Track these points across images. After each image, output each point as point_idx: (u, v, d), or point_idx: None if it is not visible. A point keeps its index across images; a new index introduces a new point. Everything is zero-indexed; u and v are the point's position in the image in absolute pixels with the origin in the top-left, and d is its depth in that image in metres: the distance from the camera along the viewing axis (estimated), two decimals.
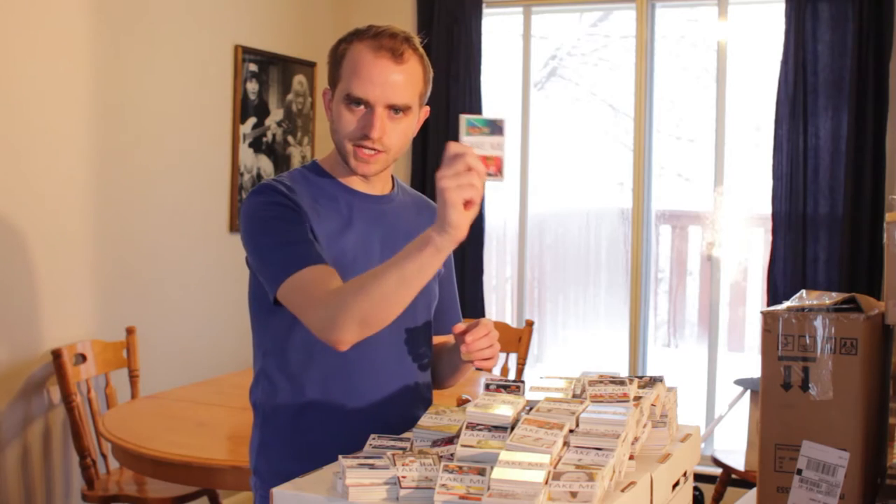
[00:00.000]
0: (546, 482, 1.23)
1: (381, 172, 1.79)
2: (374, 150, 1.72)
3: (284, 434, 1.78)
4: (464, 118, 1.44)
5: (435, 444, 1.44)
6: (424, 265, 1.49)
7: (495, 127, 1.44)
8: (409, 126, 1.76)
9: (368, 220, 1.80)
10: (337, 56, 1.76)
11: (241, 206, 1.76)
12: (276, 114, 4.44)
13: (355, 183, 1.82)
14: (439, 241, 1.45)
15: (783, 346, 1.69)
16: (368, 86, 1.69)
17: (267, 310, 1.75)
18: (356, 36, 1.75)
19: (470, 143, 1.43)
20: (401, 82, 1.71)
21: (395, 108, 1.71)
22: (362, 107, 1.71)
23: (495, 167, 1.44)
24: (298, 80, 4.58)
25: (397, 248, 1.80)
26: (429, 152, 4.62)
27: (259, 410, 1.83)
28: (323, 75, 4.72)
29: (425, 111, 1.83)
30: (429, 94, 1.82)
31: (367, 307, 1.54)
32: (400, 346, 1.82)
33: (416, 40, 1.77)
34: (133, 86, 3.67)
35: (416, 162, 4.67)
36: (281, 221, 1.69)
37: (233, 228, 4.20)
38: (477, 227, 4.60)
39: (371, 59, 1.70)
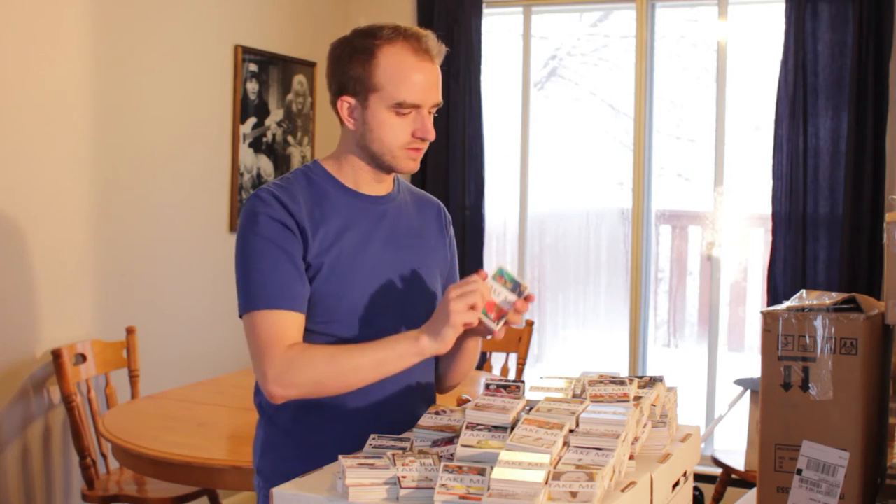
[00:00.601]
0: (546, 482, 1.23)
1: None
2: (420, 147, 1.77)
3: (288, 434, 1.78)
4: (499, 267, 1.64)
5: (435, 444, 1.45)
6: (403, 360, 1.65)
7: (518, 289, 1.63)
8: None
9: (369, 221, 1.80)
10: (363, 58, 1.72)
11: (242, 208, 1.76)
12: (276, 114, 4.44)
13: (358, 184, 1.81)
14: (426, 346, 1.63)
15: (783, 346, 1.69)
16: (422, 92, 1.72)
17: None
18: (383, 38, 1.72)
19: (491, 285, 1.63)
20: (439, 82, 1.77)
21: (435, 107, 1.76)
22: (410, 111, 1.73)
23: (496, 315, 1.63)
24: (298, 80, 4.58)
25: (399, 246, 1.81)
26: (428, 149, 4.60)
27: (263, 411, 1.83)
28: (323, 75, 4.72)
29: None
30: None
31: (331, 375, 1.65)
32: None
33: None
34: (133, 86, 3.67)
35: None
36: (271, 245, 1.68)
37: (233, 228, 4.20)
38: (477, 227, 4.60)
39: (415, 61, 1.72)
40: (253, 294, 1.68)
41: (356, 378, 1.66)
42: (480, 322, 1.62)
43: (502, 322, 1.64)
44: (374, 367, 1.65)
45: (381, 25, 1.75)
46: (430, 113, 1.76)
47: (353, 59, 1.73)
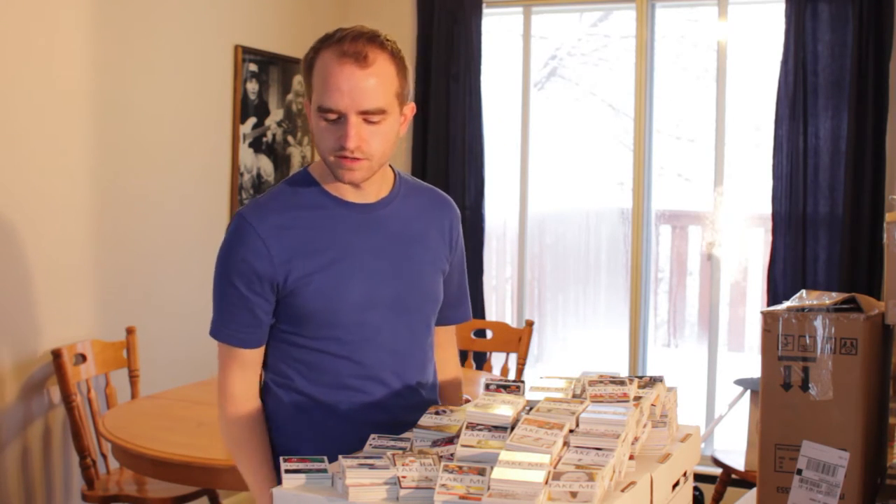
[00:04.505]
0: (546, 482, 1.23)
1: (368, 178, 1.73)
2: (356, 157, 1.67)
3: (289, 438, 1.78)
4: None
5: (435, 444, 1.45)
6: None
7: None
8: (390, 129, 1.70)
9: (358, 231, 1.76)
10: (307, 67, 1.71)
11: (228, 226, 1.77)
12: (276, 114, 4.45)
13: (345, 192, 1.77)
14: None
15: (783, 346, 1.69)
16: (336, 95, 1.63)
17: None
18: (323, 43, 1.69)
19: None
20: (370, 87, 1.64)
21: (368, 114, 1.65)
22: (336, 117, 1.65)
23: None
24: (298, 80, 4.58)
25: (392, 253, 1.79)
26: (428, 149, 4.62)
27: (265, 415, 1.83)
28: None
29: (410, 108, 1.76)
30: (410, 90, 1.75)
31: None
32: (402, 351, 1.81)
33: (383, 37, 1.70)
34: (133, 86, 3.67)
35: (416, 159, 4.68)
36: (232, 288, 1.73)
37: None
38: (477, 227, 4.60)
39: (336, 67, 1.64)
40: (215, 323, 1.78)
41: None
42: None
43: None
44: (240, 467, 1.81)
45: (337, 29, 1.71)
46: (366, 121, 1.65)
47: (302, 64, 1.74)
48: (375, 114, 1.65)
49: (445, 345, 2.01)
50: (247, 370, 1.79)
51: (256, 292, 1.72)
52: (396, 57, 1.70)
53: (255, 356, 1.79)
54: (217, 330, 1.78)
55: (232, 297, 1.73)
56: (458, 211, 1.97)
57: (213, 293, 1.78)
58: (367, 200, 1.79)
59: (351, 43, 1.65)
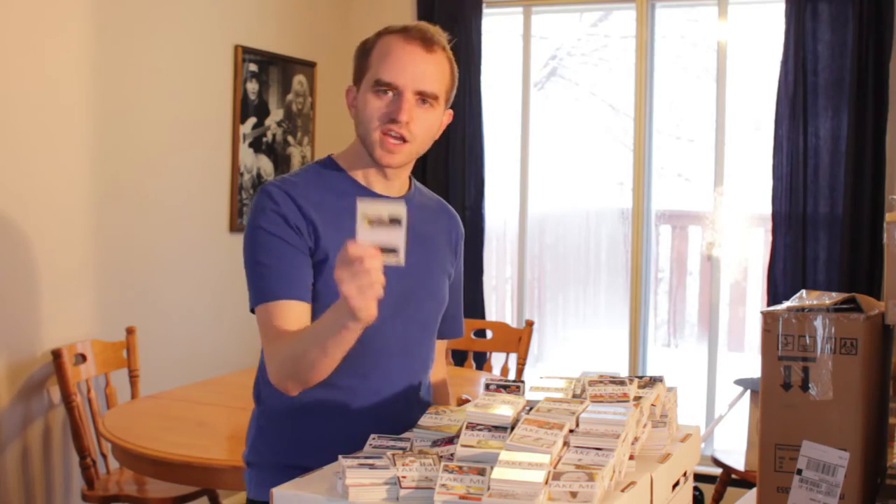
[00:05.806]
0: (546, 482, 1.23)
1: (404, 165, 1.77)
2: (401, 137, 1.71)
3: (283, 428, 1.78)
4: (361, 207, 1.41)
5: (435, 444, 1.45)
6: (342, 342, 1.54)
7: (397, 218, 1.41)
8: (436, 119, 1.76)
9: None
10: (365, 49, 1.76)
11: (251, 204, 1.76)
12: (276, 114, 4.44)
13: (371, 182, 1.80)
14: (352, 326, 1.49)
15: (783, 346, 1.69)
16: (398, 70, 1.69)
17: None
18: (386, 30, 1.76)
19: (369, 235, 1.41)
20: (430, 70, 1.71)
21: (423, 96, 1.71)
22: (391, 93, 1.70)
23: (393, 255, 1.44)
24: (298, 80, 4.58)
25: (411, 250, 1.80)
26: (428, 151, 4.61)
27: (259, 402, 1.83)
28: (323, 75, 4.73)
29: (449, 115, 1.82)
30: (453, 97, 1.81)
31: (298, 371, 1.60)
32: (406, 348, 1.81)
33: (446, 39, 1.78)
34: (133, 86, 3.67)
35: (416, 160, 4.67)
36: (272, 238, 1.68)
37: (233, 228, 4.20)
38: (477, 227, 4.60)
39: (402, 45, 1.71)
40: (256, 288, 1.69)
41: (317, 371, 1.59)
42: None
43: (402, 255, 1.43)
44: (323, 357, 1.56)
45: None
46: (421, 101, 1.71)
47: (357, 50, 1.78)
48: (430, 97, 1.72)
49: (436, 358, 2.01)
50: (294, 324, 1.65)
51: (299, 241, 1.68)
52: (452, 59, 1.78)
53: (303, 310, 1.66)
54: (257, 293, 1.67)
55: (271, 250, 1.65)
56: (463, 229, 2.00)
57: (247, 264, 1.71)
58: (391, 194, 1.81)
59: (418, 31, 1.73)
